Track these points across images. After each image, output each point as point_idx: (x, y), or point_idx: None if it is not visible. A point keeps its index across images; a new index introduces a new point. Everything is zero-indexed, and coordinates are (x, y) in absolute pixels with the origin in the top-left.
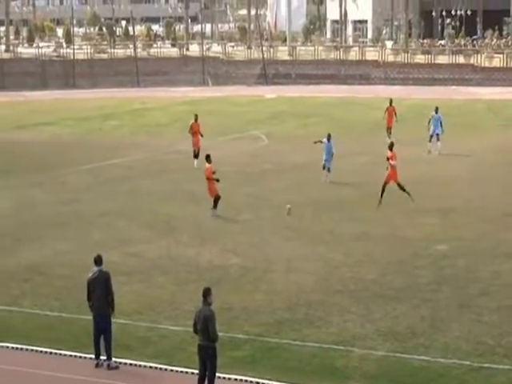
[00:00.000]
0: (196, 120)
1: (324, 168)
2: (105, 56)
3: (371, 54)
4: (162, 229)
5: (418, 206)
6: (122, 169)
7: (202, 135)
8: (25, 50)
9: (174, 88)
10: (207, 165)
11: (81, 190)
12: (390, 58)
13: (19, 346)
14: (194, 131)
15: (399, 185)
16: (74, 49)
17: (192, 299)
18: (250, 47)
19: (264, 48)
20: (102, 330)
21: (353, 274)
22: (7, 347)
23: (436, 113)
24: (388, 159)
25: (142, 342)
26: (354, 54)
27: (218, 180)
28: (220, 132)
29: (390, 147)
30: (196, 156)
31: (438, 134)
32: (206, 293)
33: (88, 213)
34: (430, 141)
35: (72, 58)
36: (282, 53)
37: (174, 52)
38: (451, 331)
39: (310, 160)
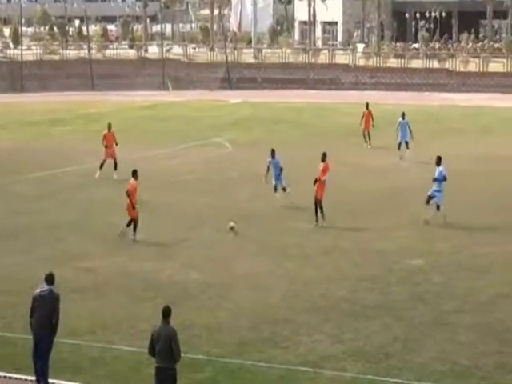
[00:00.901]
0: (109, 129)
1: (276, 190)
2: (56, 57)
3: (341, 58)
4: (116, 242)
5: (391, 218)
6: (74, 177)
7: (117, 143)
8: None
9: (131, 92)
10: (133, 181)
11: (30, 200)
12: (361, 62)
13: None
14: (109, 141)
15: (319, 204)
16: (21, 49)
17: (149, 318)
18: (212, 49)
19: (228, 50)
20: (41, 354)
21: (322, 291)
22: None
23: (403, 118)
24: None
25: (95, 363)
26: (323, 58)
27: (133, 207)
28: (181, 139)
29: (323, 158)
30: (114, 167)
31: (406, 142)
32: (167, 312)
33: (38, 224)
34: (398, 148)
35: (20, 59)
36: (247, 55)
37: (131, 54)
38: (426, 351)
39: None
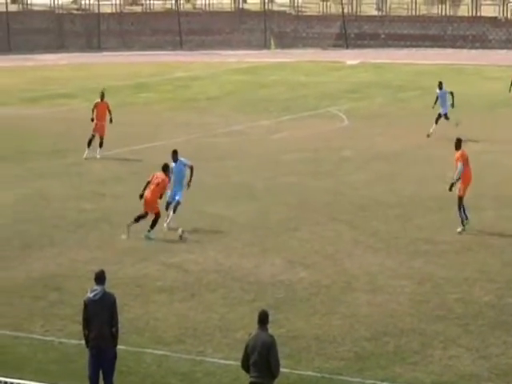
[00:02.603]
0: (102, 98)
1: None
2: (138, 9)
3: (488, 10)
4: (209, 234)
5: None
6: (160, 154)
7: (111, 120)
8: (37, 1)
9: (226, 51)
10: (163, 174)
11: (106, 182)
12: None
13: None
14: (100, 113)
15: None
16: (98, 0)
17: (248, 325)
18: None
19: (344, 0)
20: (104, 370)
21: (461, 295)
22: None
23: (440, 89)
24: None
25: (185, 380)
26: (465, 9)
27: (141, 196)
28: (286, 109)
29: (458, 145)
30: (100, 144)
31: (445, 114)
32: (264, 317)
33: (116, 211)
34: (436, 122)
35: (96, 11)
36: (368, 6)
37: (226, 4)
38: None
39: (404, 147)
